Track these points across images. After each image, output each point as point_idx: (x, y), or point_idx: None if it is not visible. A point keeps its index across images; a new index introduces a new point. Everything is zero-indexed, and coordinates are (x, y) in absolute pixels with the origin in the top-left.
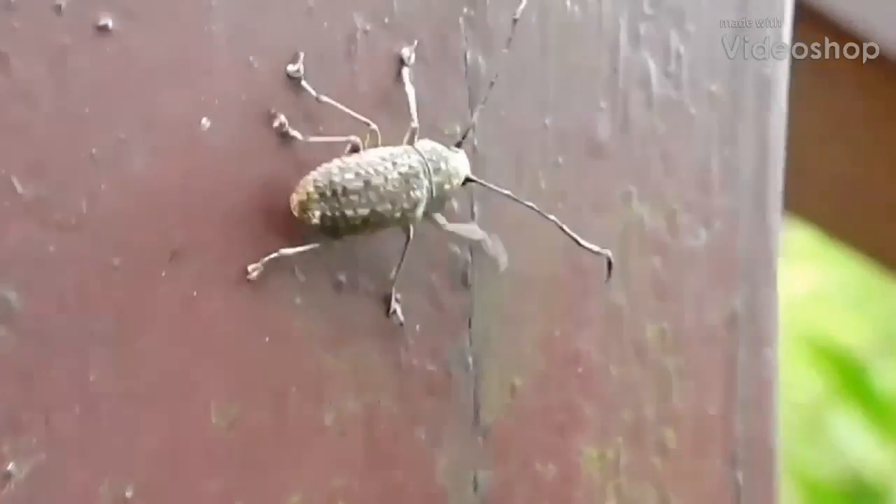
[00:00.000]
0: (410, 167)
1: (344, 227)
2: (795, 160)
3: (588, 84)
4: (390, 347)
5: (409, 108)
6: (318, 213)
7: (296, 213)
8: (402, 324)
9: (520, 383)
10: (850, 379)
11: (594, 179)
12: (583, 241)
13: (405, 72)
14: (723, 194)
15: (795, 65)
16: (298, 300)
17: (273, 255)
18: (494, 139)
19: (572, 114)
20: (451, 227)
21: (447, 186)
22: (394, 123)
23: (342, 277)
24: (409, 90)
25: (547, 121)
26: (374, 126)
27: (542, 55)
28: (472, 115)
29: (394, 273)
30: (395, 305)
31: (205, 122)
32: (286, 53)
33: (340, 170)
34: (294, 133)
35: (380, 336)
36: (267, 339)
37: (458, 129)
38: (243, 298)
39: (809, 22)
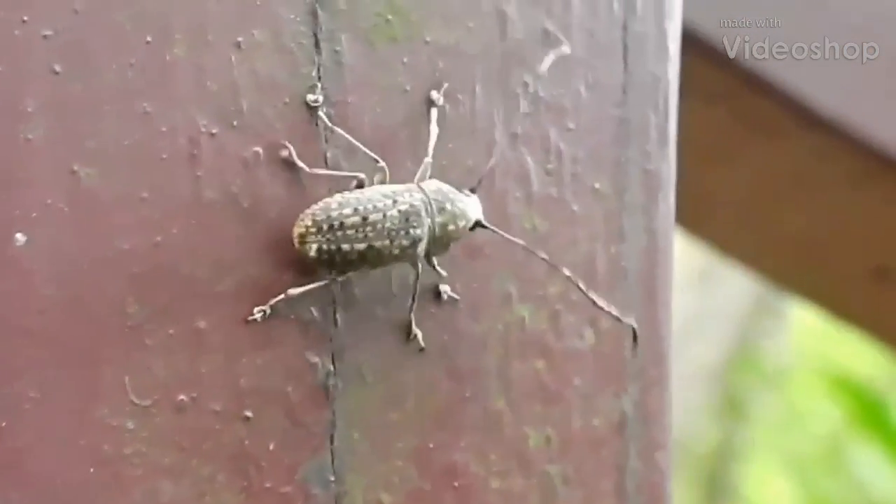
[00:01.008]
0: (411, 205)
1: (340, 261)
2: (756, 220)
3: (463, 183)
4: (239, 470)
5: (427, 145)
6: (314, 247)
7: (295, 245)
8: (422, 349)
9: (388, 500)
10: (868, 411)
11: (471, 281)
12: (601, 303)
13: (433, 112)
14: (610, 292)
15: (749, 127)
16: (131, 424)
17: (280, 297)
18: None
19: None
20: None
21: (451, 227)
22: (247, 230)
23: (184, 397)
24: (433, 129)
25: None
26: (382, 164)
27: (413, 155)
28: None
29: (410, 301)
30: (415, 330)
31: (19, 237)
32: (117, 160)
33: (339, 204)
34: (301, 164)
35: (228, 458)
36: (92, 469)
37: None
38: (63, 425)
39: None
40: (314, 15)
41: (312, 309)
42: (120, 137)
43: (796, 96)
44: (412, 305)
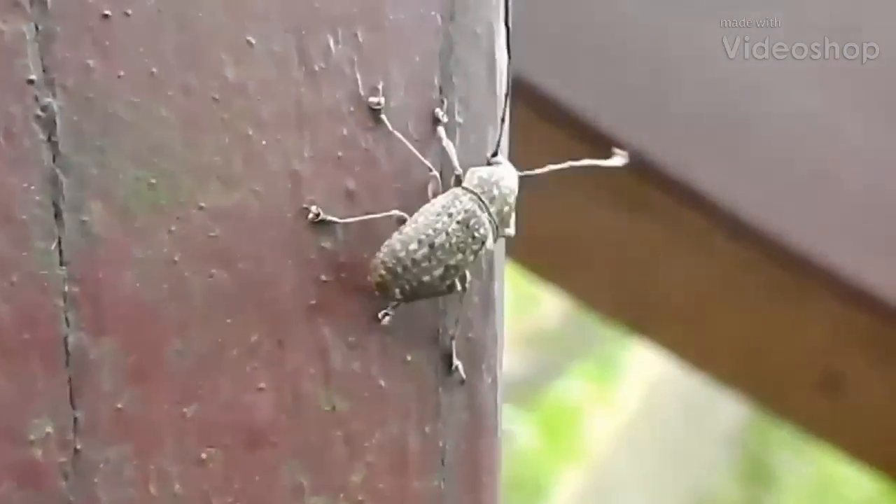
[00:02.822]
0: (466, 211)
1: (425, 292)
2: (696, 325)
3: (242, 361)
4: None
5: (451, 161)
6: (397, 291)
7: (377, 294)
8: (463, 381)
9: None
10: None
11: (252, 475)
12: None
13: (440, 130)
14: (424, 478)
15: (676, 235)
16: None
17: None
18: (108, 438)
19: (222, 398)
20: None
21: (506, 208)
22: None
23: None
24: (447, 145)
25: (186, 410)
26: (434, 172)
27: (182, 332)
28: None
29: (451, 332)
30: (456, 361)
31: None
32: None
33: (402, 243)
34: (331, 218)
35: None
36: None
37: None
38: None
39: None
40: (54, 182)
41: None
42: None
43: (720, 206)
44: (454, 334)
